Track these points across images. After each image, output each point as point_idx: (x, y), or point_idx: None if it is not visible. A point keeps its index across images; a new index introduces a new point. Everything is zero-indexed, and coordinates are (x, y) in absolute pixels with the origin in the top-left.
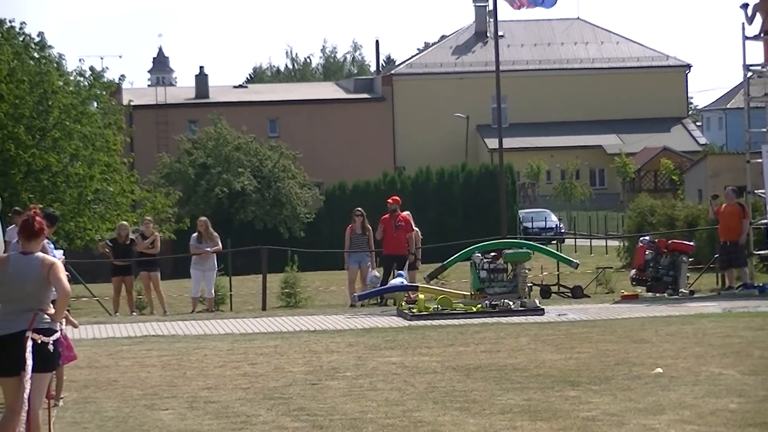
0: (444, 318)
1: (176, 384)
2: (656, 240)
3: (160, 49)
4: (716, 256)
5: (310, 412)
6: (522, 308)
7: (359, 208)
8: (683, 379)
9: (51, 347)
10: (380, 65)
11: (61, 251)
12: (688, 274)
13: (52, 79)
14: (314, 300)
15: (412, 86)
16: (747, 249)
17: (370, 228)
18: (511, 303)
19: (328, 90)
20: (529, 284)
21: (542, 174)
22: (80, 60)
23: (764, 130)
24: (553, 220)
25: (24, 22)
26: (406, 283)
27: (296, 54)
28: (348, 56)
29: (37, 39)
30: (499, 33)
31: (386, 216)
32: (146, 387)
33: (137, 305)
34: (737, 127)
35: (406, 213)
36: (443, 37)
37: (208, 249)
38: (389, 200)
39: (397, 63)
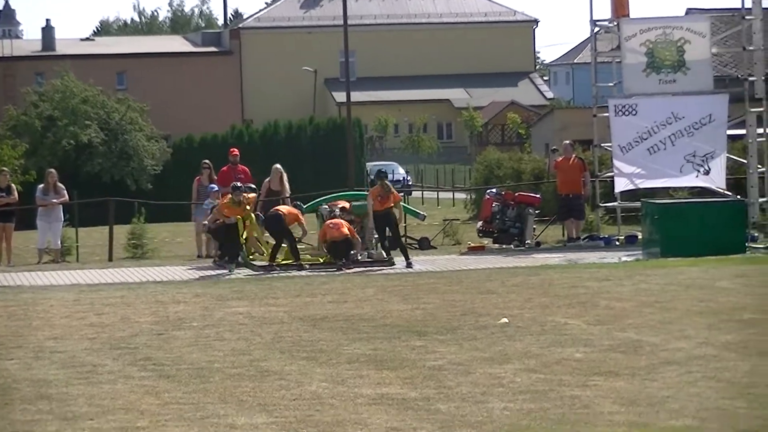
0: (291, 269)
1: (22, 334)
2: (503, 192)
3: (6, 2)
4: None
5: (157, 361)
6: (369, 259)
7: (206, 161)
8: (529, 329)
9: None
10: (228, 19)
11: None
12: (534, 226)
13: None
14: (161, 251)
15: (259, 40)
16: (593, 201)
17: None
18: (358, 255)
19: (176, 44)
20: (375, 236)
21: (390, 127)
22: None
23: (611, 84)
24: (401, 172)
25: None
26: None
27: (143, 8)
28: (195, 10)
29: None
30: None
31: (225, 168)
32: None
33: None
34: (584, 81)
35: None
36: None
37: (54, 200)
38: (232, 151)
39: (245, 17)
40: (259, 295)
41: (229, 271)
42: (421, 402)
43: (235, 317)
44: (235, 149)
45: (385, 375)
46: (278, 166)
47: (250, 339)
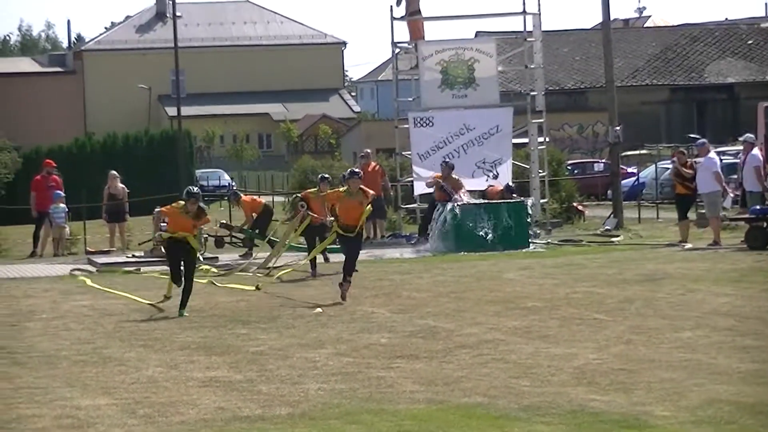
0: (128, 265)
1: None
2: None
3: None
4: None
5: (11, 350)
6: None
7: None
8: (340, 318)
9: None
10: (71, 42)
11: None
12: None
13: None
14: (13, 251)
15: (100, 61)
16: (396, 203)
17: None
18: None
19: (26, 65)
20: (204, 235)
21: (216, 138)
22: None
23: (410, 99)
24: (226, 178)
25: None
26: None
27: None
28: (42, 34)
29: None
30: (177, 13)
31: (38, 177)
32: None
33: None
34: (387, 96)
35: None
36: (128, 17)
37: None
38: (48, 163)
39: (86, 40)
40: (101, 289)
41: None
42: (245, 384)
43: (80, 309)
44: (51, 160)
45: (213, 360)
46: (114, 171)
47: (94, 329)
